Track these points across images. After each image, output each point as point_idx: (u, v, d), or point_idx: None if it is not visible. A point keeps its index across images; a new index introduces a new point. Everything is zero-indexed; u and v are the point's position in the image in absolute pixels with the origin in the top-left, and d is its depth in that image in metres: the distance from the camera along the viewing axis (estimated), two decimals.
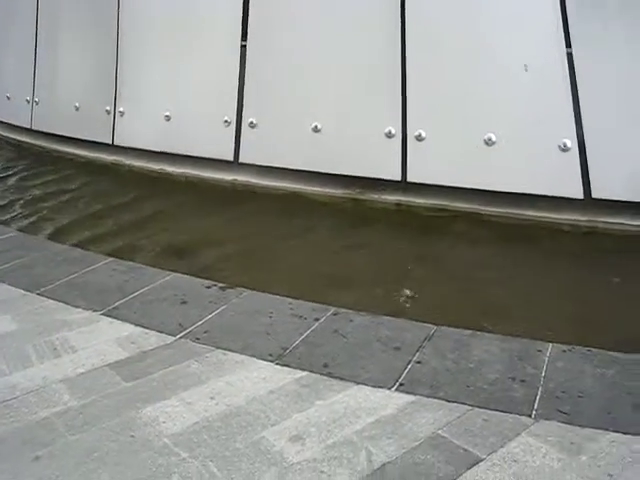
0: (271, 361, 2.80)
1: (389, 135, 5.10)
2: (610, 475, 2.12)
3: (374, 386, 2.59)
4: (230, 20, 5.81)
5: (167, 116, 6.20)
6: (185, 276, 3.71)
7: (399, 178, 5.09)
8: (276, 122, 5.61)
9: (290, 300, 3.33)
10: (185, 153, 6.13)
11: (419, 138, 4.98)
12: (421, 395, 2.52)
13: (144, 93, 6.46)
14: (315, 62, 5.39)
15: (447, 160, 4.93)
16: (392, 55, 5.06)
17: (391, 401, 2.50)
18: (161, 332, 3.06)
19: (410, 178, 5.04)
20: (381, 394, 2.54)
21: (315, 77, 5.40)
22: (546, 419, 2.38)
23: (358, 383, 2.62)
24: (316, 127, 5.37)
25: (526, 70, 4.65)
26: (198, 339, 2.99)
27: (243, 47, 5.74)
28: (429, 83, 5.00)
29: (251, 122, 5.71)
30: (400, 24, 5.03)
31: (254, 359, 2.82)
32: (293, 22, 5.52)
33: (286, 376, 2.69)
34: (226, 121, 5.82)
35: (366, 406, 2.47)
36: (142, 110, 6.46)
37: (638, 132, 4.41)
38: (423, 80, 5.00)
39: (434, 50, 4.97)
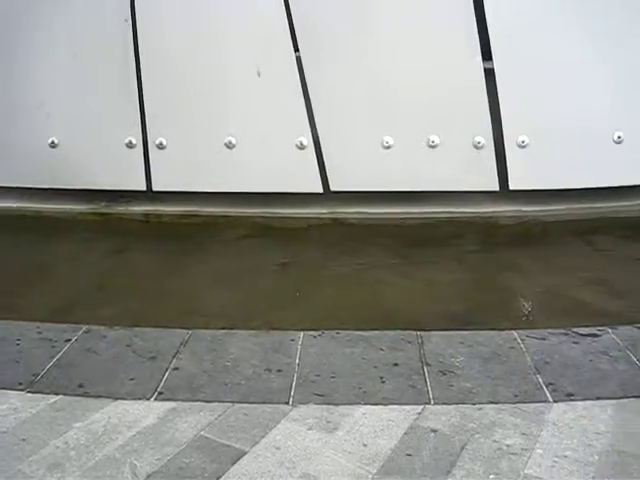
0: (22, 390, 2.65)
1: (130, 145, 5.02)
2: (365, 445, 2.27)
3: (133, 399, 2.54)
4: None
5: None
6: None
7: (144, 188, 5.03)
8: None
9: (38, 324, 3.17)
10: None
11: (160, 146, 4.96)
12: (181, 400, 2.52)
13: None
14: None
15: (191, 166, 4.95)
16: (127, 68, 4.97)
17: (151, 411, 2.47)
18: None
19: (155, 187, 5.00)
20: (140, 406, 2.50)
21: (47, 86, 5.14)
22: (303, 403, 2.49)
23: (116, 399, 2.56)
24: (53, 142, 5.14)
25: (259, 75, 4.79)
26: None
27: None
28: (166, 91, 4.98)
29: None
30: (132, 34, 4.96)
31: (3, 391, 2.65)
32: None
33: (39, 403, 2.55)
34: None
35: (126, 420, 2.42)
36: None
37: (374, 128, 4.71)
38: (160, 89, 4.97)
39: (167, 58, 4.95)
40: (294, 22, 4.76)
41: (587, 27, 4.80)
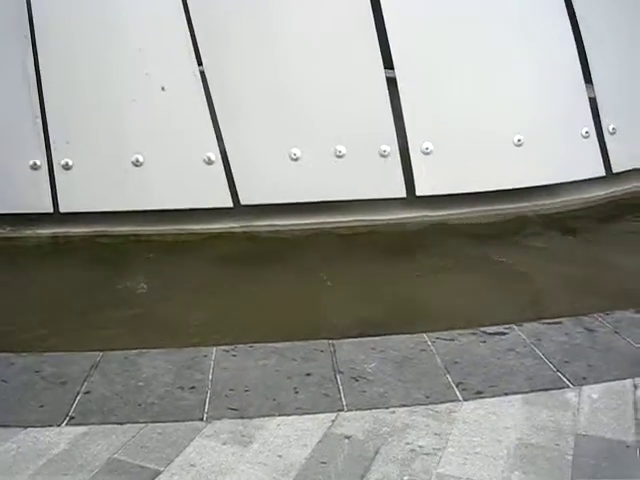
0: None
1: (34, 167, 4.90)
2: (280, 456, 2.28)
3: (43, 426, 2.48)
4: None
5: None
6: None
7: (51, 210, 4.91)
8: None
9: None
10: None
11: (66, 167, 4.86)
12: (93, 424, 2.48)
13: None
14: None
15: (98, 186, 4.86)
16: (27, 88, 4.86)
17: (62, 437, 2.42)
18: None
19: (63, 209, 4.89)
20: (51, 432, 2.45)
21: None
22: (217, 419, 2.49)
23: (26, 427, 2.49)
24: None
25: (163, 89, 4.76)
26: None
27: None
28: (70, 111, 4.89)
29: None
30: (32, 51, 4.85)
31: None
32: None
33: None
34: None
35: (37, 448, 2.36)
36: None
37: (282, 141, 4.73)
38: (64, 109, 4.88)
39: (70, 76, 4.87)
40: (197, 35, 4.76)
41: (485, 34, 4.97)
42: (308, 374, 2.81)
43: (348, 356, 2.93)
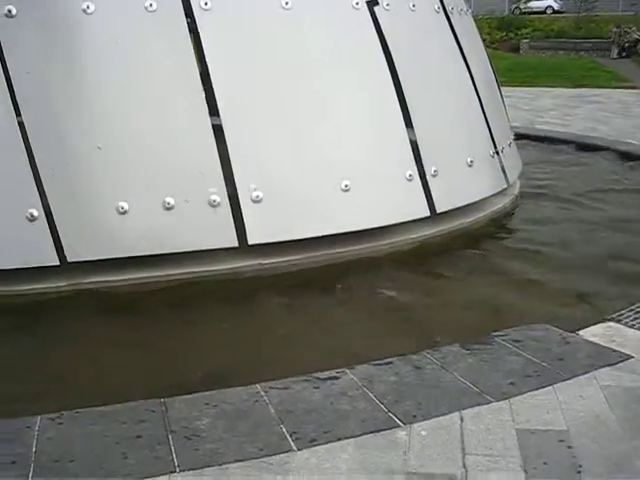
0: None
1: None
2: None
3: None
4: None
5: None
6: None
7: None
8: None
9: None
10: None
11: None
12: None
13: None
14: None
15: None
16: None
17: None
18: None
19: None
20: None
21: None
22: None
23: None
24: None
25: None
26: None
27: None
28: None
29: None
30: None
31: None
32: None
33: None
34: None
35: None
36: None
37: (109, 195, 4.62)
38: None
39: None
40: (15, 89, 4.58)
41: (309, 81, 5.11)
42: (138, 436, 2.71)
43: (181, 414, 2.87)
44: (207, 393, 3.03)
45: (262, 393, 3.03)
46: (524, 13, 36.05)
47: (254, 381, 3.15)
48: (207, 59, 4.85)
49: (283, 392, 3.05)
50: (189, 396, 3.01)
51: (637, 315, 3.92)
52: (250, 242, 4.74)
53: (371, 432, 2.79)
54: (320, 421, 2.85)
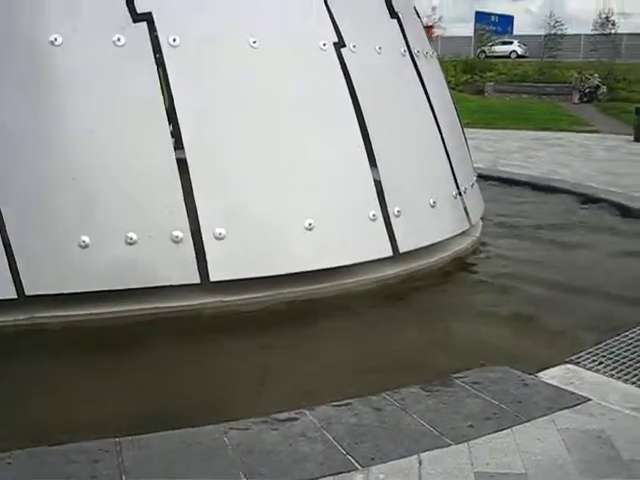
0: None
1: None
2: None
3: None
4: None
5: None
6: None
7: None
8: None
9: None
10: None
11: None
12: None
13: None
14: None
15: None
16: None
17: None
18: None
19: None
20: None
21: None
22: None
23: None
24: None
25: None
26: None
27: None
28: None
29: None
30: None
31: None
32: None
33: None
34: None
35: None
36: None
37: (71, 228, 4.57)
38: None
39: None
40: None
41: (275, 121, 5.13)
42: (93, 477, 2.65)
43: (136, 455, 2.81)
44: (167, 433, 2.98)
45: (223, 433, 2.99)
46: (489, 57, 36.92)
47: (210, 422, 3.11)
48: (173, 94, 4.86)
49: (242, 433, 3.02)
50: (146, 436, 2.96)
51: (595, 357, 3.96)
52: (212, 279, 4.72)
53: (330, 475, 2.76)
54: (278, 463, 2.82)
